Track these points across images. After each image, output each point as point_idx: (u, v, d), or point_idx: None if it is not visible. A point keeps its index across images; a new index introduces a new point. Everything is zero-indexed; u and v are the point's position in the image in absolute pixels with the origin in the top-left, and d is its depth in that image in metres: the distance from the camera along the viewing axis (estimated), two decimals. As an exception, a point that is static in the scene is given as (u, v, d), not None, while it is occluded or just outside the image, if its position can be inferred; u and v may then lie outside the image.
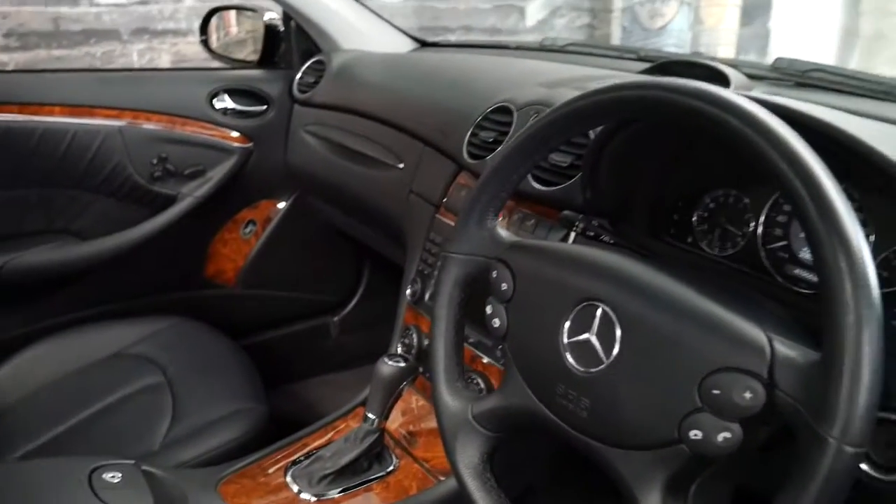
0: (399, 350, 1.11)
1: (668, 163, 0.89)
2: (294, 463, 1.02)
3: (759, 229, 0.81)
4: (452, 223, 1.10)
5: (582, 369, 0.63)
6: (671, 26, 4.92)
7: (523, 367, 0.68)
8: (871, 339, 0.48)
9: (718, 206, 0.86)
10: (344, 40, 1.64)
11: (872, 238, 0.70)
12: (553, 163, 0.95)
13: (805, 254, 0.77)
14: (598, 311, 0.62)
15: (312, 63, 1.65)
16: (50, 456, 1.14)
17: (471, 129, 1.13)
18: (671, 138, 0.86)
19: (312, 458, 1.01)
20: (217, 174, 1.61)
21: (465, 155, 1.11)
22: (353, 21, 1.65)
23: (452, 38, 4.30)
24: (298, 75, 1.66)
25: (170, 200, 1.58)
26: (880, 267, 0.69)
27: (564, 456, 0.98)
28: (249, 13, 1.77)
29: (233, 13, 1.84)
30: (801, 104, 0.67)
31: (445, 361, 0.75)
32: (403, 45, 1.70)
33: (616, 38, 4.82)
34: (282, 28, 1.69)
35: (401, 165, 1.32)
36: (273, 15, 1.69)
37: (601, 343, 0.62)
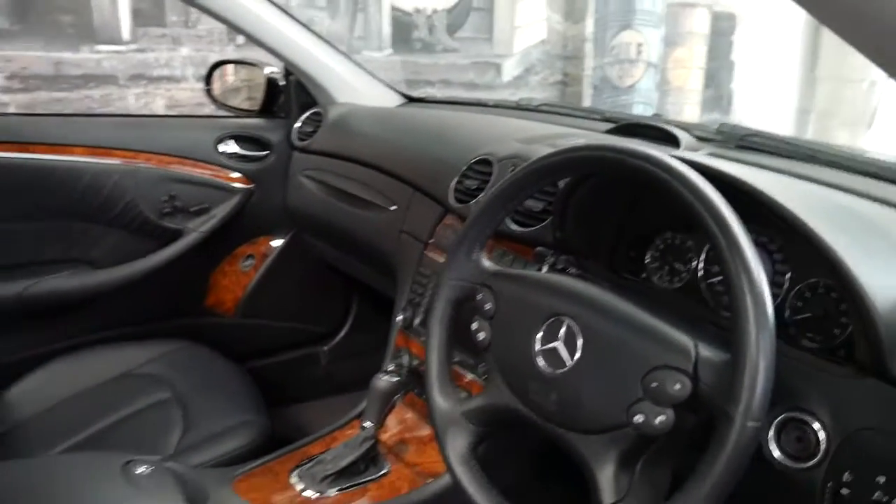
0: (391, 368, 1.22)
1: (625, 210, 1.02)
2: (298, 465, 1.11)
3: (700, 266, 0.95)
4: (440, 259, 1.21)
5: (550, 370, 0.76)
6: (639, 86, 5.13)
7: (503, 370, 0.81)
8: (766, 343, 0.63)
9: (667, 247, 0.99)
10: (339, 94, 1.74)
11: (789, 275, 0.85)
12: (528, 207, 1.05)
13: None
14: (564, 324, 0.77)
15: (311, 114, 1.75)
16: None
17: (457, 178, 1.23)
18: (627, 189, 1.00)
19: (315, 461, 1.11)
20: (220, 212, 1.70)
21: (452, 200, 1.22)
22: (348, 77, 1.76)
23: (433, 90, 4.50)
24: (298, 124, 1.76)
25: (177, 234, 1.67)
26: (795, 297, 0.84)
27: (542, 457, 1.11)
28: (248, 65, 1.87)
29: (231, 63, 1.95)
30: (723, 164, 0.82)
31: (438, 367, 0.88)
32: (392, 100, 1.81)
33: (587, 96, 5.02)
34: (282, 81, 1.78)
35: (393, 207, 1.41)
36: (274, 68, 1.78)
37: (566, 349, 0.76)
